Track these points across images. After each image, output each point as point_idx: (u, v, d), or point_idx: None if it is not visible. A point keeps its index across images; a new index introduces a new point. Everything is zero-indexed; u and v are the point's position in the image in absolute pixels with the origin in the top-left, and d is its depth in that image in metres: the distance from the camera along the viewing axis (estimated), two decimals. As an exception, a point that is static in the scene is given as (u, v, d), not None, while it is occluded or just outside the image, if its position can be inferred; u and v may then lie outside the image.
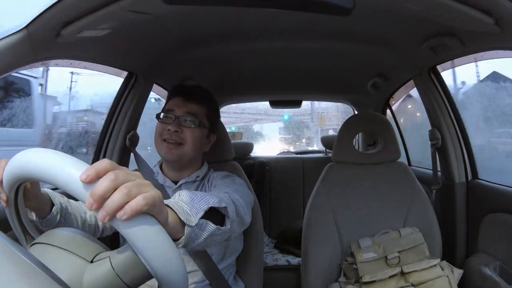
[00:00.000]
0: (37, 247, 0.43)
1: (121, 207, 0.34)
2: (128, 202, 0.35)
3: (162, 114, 0.91)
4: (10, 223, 0.48)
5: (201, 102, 0.92)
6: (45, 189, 0.66)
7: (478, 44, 0.85)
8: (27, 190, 0.51)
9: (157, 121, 0.92)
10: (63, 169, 0.34)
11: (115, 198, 0.34)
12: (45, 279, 0.29)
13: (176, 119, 0.88)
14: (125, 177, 0.36)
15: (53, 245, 0.42)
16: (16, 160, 0.38)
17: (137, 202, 0.35)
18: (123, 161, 1.21)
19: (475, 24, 0.71)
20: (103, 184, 0.34)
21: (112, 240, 1.05)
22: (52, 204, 0.66)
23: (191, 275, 0.86)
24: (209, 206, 0.57)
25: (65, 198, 0.73)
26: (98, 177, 0.34)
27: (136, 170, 1.01)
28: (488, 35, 0.76)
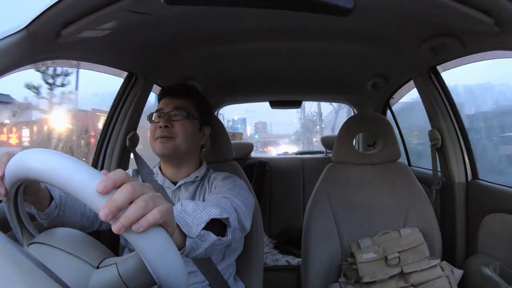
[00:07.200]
0: (38, 247, 0.43)
1: (137, 220, 0.35)
2: (144, 214, 0.35)
3: (153, 115, 0.93)
4: (8, 218, 0.48)
5: (188, 97, 0.95)
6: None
7: (478, 44, 0.85)
8: (27, 185, 0.51)
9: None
10: (78, 177, 0.34)
11: (132, 211, 0.34)
12: (46, 281, 0.29)
13: (166, 116, 0.90)
14: (141, 190, 0.36)
15: (56, 247, 0.42)
16: (26, 160, 0.38)
17: (153, 216, 0.35)
18: (123, 162, 1.21)
19: (475, 24, 0.71)
20: (120, 196, 0.34)
21: (112, 239, 1.05)
22: (51, 198, 0.66)
23: (191, 276, 0.86)
24: (211, 217, 0.58)
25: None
26: (114, 187, 0.34)
27: (135, 170, 1.01)
28: (488, 35, 0.76)
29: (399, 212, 1.13)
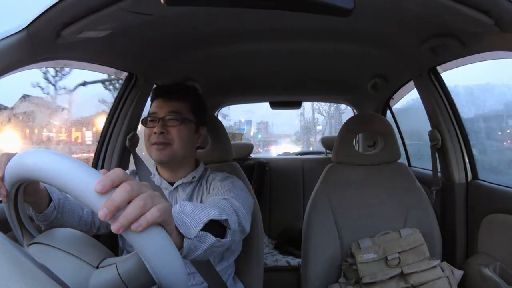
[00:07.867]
0: (38, 247, 0.43)
1: (136, 219, 0.34)
2: (143, 214, 0.35)
3: (148, 118, 0.90)
4: (8, 219, 0.48)
5: (183, 99, 0.91)
6: (43, 184, 0.66)
7: (478, 44, 0.85)
8: (27, 185, 0.51)
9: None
10: (77, 177, 0.34)
11: (131, 210, 0.34)
12: (46, 281, 0.29)
13: (160, 121, 0.87)
14: (139, 189, 0.36)
15: (56, 247, 0.42)
16: (25, 160, 0.38)
17: (152, 214, 0.35)
18: (122, 162, 1.21)
19: (475, 25, 0.71)
20: (119, 195, 0.34)
21: (111, 240, 1.05)
22: (50, 199, 0.66)
23: (190, 277, 0.86)
24: (209, 218, 0.57)
25: (63, 194, 0.72)
26: (112, 187, 0.34)
27: (133, 170, 1.01)
28: (488, 36, 0.76)
29: (399, 213, 1.13)
